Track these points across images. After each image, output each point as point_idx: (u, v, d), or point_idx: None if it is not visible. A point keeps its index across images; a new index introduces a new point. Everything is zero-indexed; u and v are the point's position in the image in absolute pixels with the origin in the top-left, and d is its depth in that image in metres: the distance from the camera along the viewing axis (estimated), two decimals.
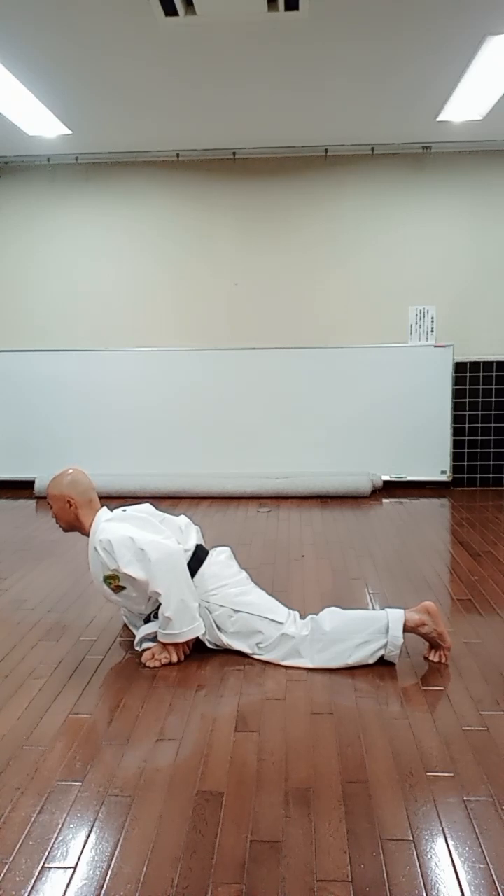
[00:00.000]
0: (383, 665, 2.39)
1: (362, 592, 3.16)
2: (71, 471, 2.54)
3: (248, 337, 5.57)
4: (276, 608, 2.51)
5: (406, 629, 2.38)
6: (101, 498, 2.58)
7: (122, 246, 5.60)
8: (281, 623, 2.45)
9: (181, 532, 2.58)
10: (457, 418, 5.54)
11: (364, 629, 2.38)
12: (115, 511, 2.54)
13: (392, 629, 2.36)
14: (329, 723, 2.03)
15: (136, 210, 5.56)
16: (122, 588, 2.42)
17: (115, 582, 2.40)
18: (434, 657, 2.43)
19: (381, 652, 2.37)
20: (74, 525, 2.53)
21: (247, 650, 2.47)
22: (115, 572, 2.38)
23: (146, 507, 2.63)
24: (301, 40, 3.54)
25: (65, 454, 5.65)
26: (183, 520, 2.65)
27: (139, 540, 2.36)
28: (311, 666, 2.38)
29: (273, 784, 1.74)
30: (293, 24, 3.38)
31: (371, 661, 2.38)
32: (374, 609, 2.84)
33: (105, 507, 2.54)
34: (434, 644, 2.43)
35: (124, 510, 2.56)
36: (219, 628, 2.47)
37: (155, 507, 2.69)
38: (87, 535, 2.49)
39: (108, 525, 2.44)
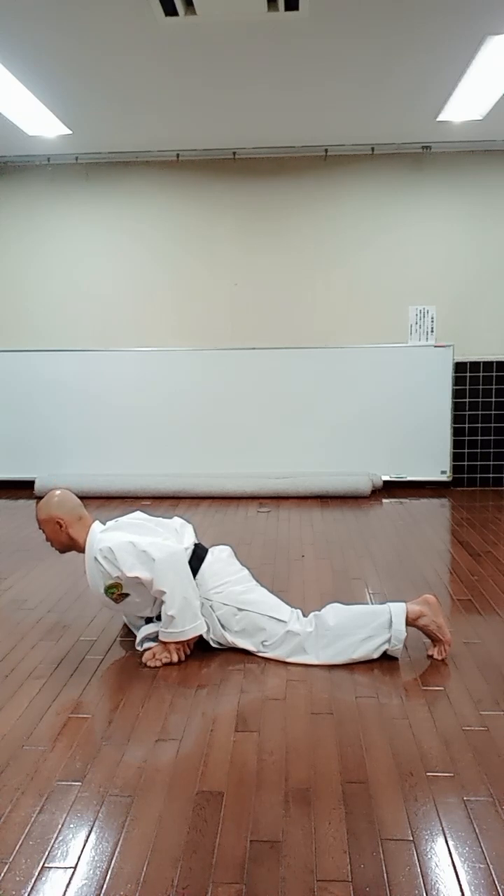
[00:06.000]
0: (383, 665, 2.39)
1: (362, 592, 3.16)
2: (57, 492, 2.55)
3: (249, 337, 5.57)
4: (279, 606, 2.53)
5: (406, 622, 2.39)
6: (101, 498, 2.59)
7: (122, 246, 5.60)
8: (285, 621, 2.46)
9: (177, 533, 2.59)
10: (457, 418, 5.53)
11: (367, 624, 2.40)
12: (108, 523, 2.55)
13: (395, 623, 2.38)
14: (329, 723, 2.03)
15: (136, 210, 5.56)
16: (125, 596, 2.43)
17: (117, 591, 2.41)
18: (435, 653, 2.44)
19: (385, 646, 2.39)
20: (68, 545, 2.53)
21: (251, 648, 2.47)
22: (117, 580, 2.38)
23: (138, 514, 2.64)
24: (301, 40, 3.54)
25: (65, 454, 5.66)
26: (177, 521, 2.66)
27: (139, 543, 2.37)
28: (316, 662, 2.39)
29: (273, 784, 1.74)
30: (293, 24, 3.38)
31: (375, 655, 2.39)
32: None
33: (97, 521, 2.55)
34: (433, 637, 2.44)
35: (116, 521, 2.57)
36: (223, 626, 2.48)
37: (150, 511, 2.70)
38: (83, 551, 2.48)
39: (105, 535, 2.45)
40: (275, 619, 2.46)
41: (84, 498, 4.50)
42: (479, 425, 5.54)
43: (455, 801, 1.67)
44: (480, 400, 5.52)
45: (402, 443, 5.53)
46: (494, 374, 5.50)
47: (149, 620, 2.54)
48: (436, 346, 5.48)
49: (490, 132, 5.00)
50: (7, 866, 1.47)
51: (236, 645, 2.48)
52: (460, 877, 1.43)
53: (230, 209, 5.52)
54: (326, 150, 5.35)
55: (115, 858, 1.50)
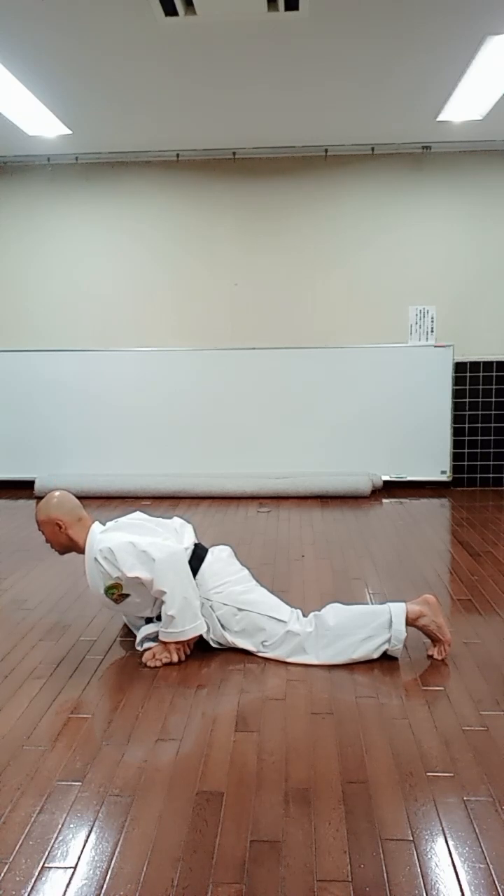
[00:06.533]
0: (383, 664, 2.39)
1: (362, 592, 3.16)
2: (56, 493, 2.54)
3: (248, 337, 5.57)
4: (279, 606, 2.53)
5: (406, 622, 2.39)
6: (101, 498, 2.59)
7: (122, 246, 5.60)
8: (285, 621, 2.46)
9: (177, 533, 2.59)
10: (457, 418, 5.53)
11: (367, 624, 2.40)
12: (108, 523, 2.55)
13: (395, 623, 2.38)
14: (329, 723, 2.03)
15: (136, 210, 5.56)
16: (125, 596, 2.43)
17: (118, 591, 2.41)
18: (435, 653, 2.44)
19: (385, 646, 2.39)
20: (68, 546, 2.53)
21: (251, 648, 2.47)
22: (118, 580, 2.38)
23: (138, 514, 2.64)
24: (301, 40, 3.54)
25: (65, 454, 5.66)
26: (177, 521, 2.66)
27: (139, 543, 2.37)
28: (316, 662, 2.39)
29: (273, 784, 1.74)
30: (293, 24, 3.38)
31: (375, 655, 2.39)
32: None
33: (97, 521, 2.55)
34: (433, 637, 2.44)
35: (116, 521, 2.57)
36: (223, 627, 2.48)
37: (149, 511, 2.70)
38: (83, 552, 2.48)
39: (105, 535, 2.45)
40: (275, 619, 2.46)
41: (84, 498, 4.49)
42: (479, 425, 5.54)
43: (455, 801, 1.67)
44: (480, 400, 5.52)
45: (402, 443, 5.53)
46: (494, 374, 5.50)
47: (149, 620, 2.54)
48: (436, 346, 5.48)
49: (490, 132, 5.00)
50: (7, 866, 1.47)
51: (236, 645, 2.48)
52: (460, 877, 1.43)
53: (230, 209, 5.52)
54: (326, 150, 5.35)
55: (115, 858, 1.50)
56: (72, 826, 1.60)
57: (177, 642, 2.41)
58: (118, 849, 1.53)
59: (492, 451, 5.57)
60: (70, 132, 4.86)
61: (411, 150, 5.34)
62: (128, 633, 2.70)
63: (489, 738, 1.94)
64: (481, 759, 1.84)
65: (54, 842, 1.55)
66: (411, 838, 1.54)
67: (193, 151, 5.38)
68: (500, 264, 5.45)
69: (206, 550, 2.60)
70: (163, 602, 2.37)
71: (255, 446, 5.60)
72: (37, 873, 1.46)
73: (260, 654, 2.46)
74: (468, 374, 5.49)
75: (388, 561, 3.64)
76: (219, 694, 2.22)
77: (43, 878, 1.44)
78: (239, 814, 1.63)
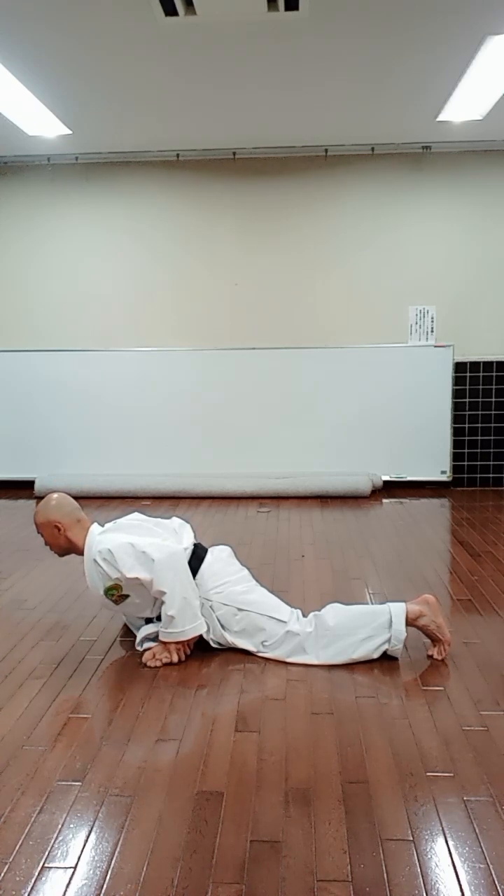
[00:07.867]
0: (383, 664, 2.39)
1: (362, 592, 3.16)
2: (55, 496, 2.54)
3: (249, 337, 5.57)
4: (279, 606, 2.53)
5: (406, 622, 2.39)
6: (101, 498, 2.58)
7: (122, 246, 5.60)
8: (285, 621, 2.46)
9: (176, 534, 2.59)
10: (457, 418, 5.53)
11: (367, 624, 2.40)
12: (107, 524, 2.55)
13: (395, 623, 2.38)
14: (329, 723, 2.03)
15: (136, 210, 5.56)
16: (125, 597, 2.43)
17: (117, 592, 2.41)
18: (434, 653, 2.44)
19: (385, 646, 2.39)
20: (67, 548, 2.53)
21: (251, 648, 2.47)
22: (117, 581, 2.38)
23: (136, 515, 2.64)
24: (301, 40, 3.54)
25: (65, 454, 5.66)
26: (176, 521, 2.66)
27: (139, 544, 2.37)
28: (316, 662, 2.39)
29: (273, 784, 1.74)
30: (293, 24, 3.38)
31: (375, 655, 2.39)
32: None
33: (96, 523, 2.55)
34: (432, 637, 2.45)
35: (115, 522, 2.57)
36: (223, 627, 2.48)
37: (149, 511, 2.70)
38: (82, 554, 2.48)
39: (104, 536, 2.45)
40: (275, 619, 2.47)
41: (84, 498, 4.50)
42: (479, 425, 5.54)
43: (455, 801, 1.67)
44: (480, 400, 5.52)
45: (402, 443, 5.53)
46: (494, 374, 5.50)
47: (149, 621, 2.54)
48: (436, 346, 5.48)
49: (490, 132, 5.00)
50: (7, 866, 1.48)
51: (236, 645, 2.48)
52: (460, 877, 1.43)
53: (230, 209, 5.52)
54: (326, 150, 5.35)
55: (115, 858, 1.50)
56: (72, 826, 1.60)
57: (177, 642, 2.41)
58: (118, 849, 1.53)
59: (492, 451, 5.57)
60: (70, 132, 4.86)
61: (411, 150, 5.34)
62: (128, 633, 2.70)
63: (489, 738, 1.94)
64: (481, 759, 1.84)
65: (54, 842, 1.55)
66: (411, 838, 1.54)
67: (193, 151, 5.38)
68: (500, 264, 5.45)
69: (205, 550, 2.60)
70: (162, 602, 2.37)
71: (255, 446, 5.60)
72: (37, 873, 1.46)
73: (260, 654, 2.46)
74: (468, 374, 5.49)
75: (388, 561, 3.64)
76: (219, 694, 2.22)
77: (43, 878, 1.44)
78: (239, 814, 1.63)
